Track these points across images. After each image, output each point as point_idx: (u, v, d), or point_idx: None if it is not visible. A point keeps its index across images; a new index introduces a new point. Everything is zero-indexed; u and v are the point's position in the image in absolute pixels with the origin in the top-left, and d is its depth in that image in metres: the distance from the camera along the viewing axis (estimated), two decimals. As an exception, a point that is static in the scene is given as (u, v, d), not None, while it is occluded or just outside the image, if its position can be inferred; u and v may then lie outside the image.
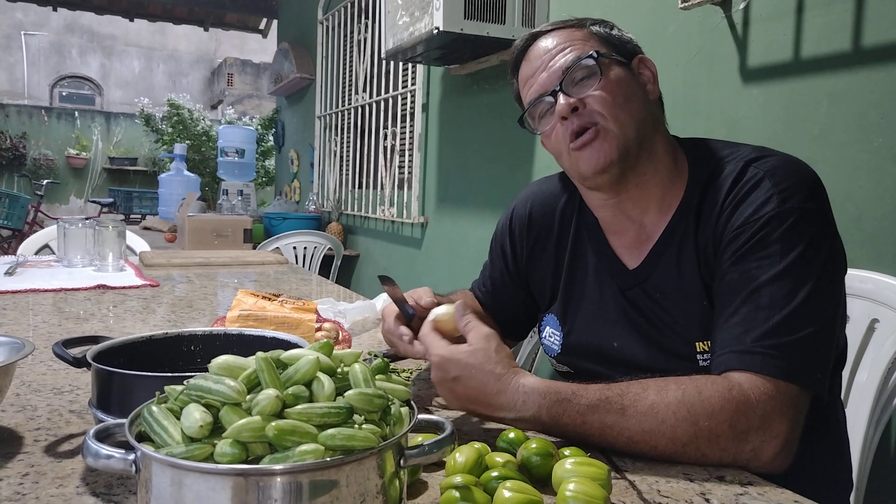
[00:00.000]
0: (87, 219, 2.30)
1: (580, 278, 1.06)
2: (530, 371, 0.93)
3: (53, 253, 2.55)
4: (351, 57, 4.37)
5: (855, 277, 1.26)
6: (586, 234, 1.06)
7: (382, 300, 1.57)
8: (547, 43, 0.98)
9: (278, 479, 0.48)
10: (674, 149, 0.99)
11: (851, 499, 1.07)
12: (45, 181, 9.16)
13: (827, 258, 0.83)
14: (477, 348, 0.82)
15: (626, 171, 0.94)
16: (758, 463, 0.75)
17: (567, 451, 0.72)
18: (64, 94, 14.63)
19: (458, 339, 0.87)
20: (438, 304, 0.95)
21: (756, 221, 0.85)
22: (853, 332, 1.24)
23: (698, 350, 0.91)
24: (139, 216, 8.41)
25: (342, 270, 4.12)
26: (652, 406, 0.76)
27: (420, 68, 3.34)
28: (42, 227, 5.84)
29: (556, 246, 1.09)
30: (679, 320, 0.93)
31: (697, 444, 0.75)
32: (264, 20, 7.48)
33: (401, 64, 3.55)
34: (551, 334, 1.09)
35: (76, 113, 12.58)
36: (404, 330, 0.97)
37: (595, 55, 0.93)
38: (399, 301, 0.99)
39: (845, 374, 1.23)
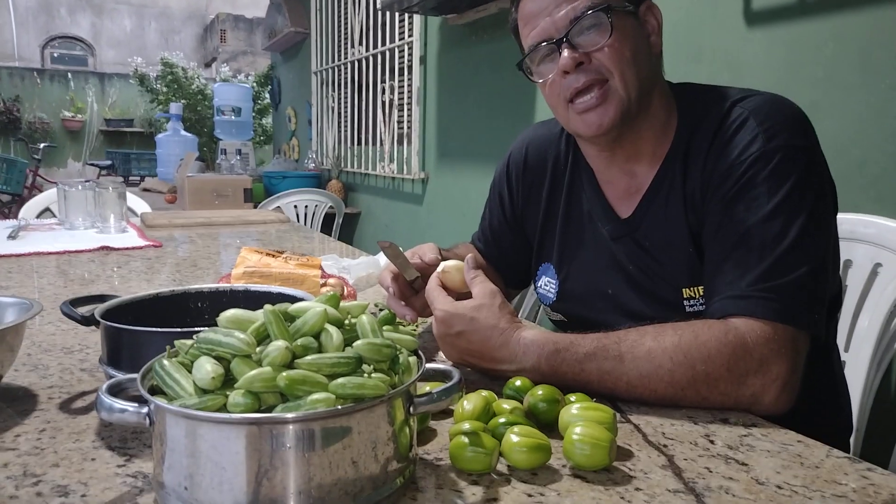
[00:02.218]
0: (86, 181, 2.29)
1: (575, 226, 1.06)
2: (534, 322, 0.94)
3: (55, 216, 2.54)
4: (346, 9, 4.28)
5: (858, 222, 1.26)
6: (581, 182, 1.06)
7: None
8: None
9: (291, 427, 0.48)
10: (668, 99, 0.98)
11: (851, 440, 1.09)
12: (41, 145, 9.08)
13: (816, 195, 0.83)
14: (482, 304, 0.83)
15: (624, 131, 0.94)
16: (760, 406, 0.76)
17: (573, 398, 0.73)
18: (55, 55, 14.36)
19: (463, 295, 0.88)
20: (443, 259, 0.95)
21: (742, 163, 0.84)
22: (856, 277, 1.25)
23: (685, 296, 0.92)
24: (138, 178, 8.37)
25: (344, 228, 4.12)
26: (649, 351, 0.76)
27: (417, 19, 3.27)
28: (41, 192, 5.82)
29: (549, 191, 1.09)
30: (667, 267, 0.94)
31: (696, 387, 0.75)
32: (256, -27, 7.30)
33: (397, 15, 3.48)
34: (547, 283, 1.10)
35: (69, 74, 12.39)
36: (389, 283, 0.98)
37: (606, 8, 0.88)
38: (401, 265, 0.98)
39: (847, 316, 1.24)
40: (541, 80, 0.96)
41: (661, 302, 0.94)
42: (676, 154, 0.94)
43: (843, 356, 1.22)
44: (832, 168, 0.90)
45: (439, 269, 0.91)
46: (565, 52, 0.90)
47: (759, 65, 1.59)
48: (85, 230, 2.14)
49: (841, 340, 1.23)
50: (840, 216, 1.26)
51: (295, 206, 3.84)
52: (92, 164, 9.78)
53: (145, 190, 5.00)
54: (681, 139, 0.94)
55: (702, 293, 0.90)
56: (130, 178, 8.90)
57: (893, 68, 1.31)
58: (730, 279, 0.82)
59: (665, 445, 0.67)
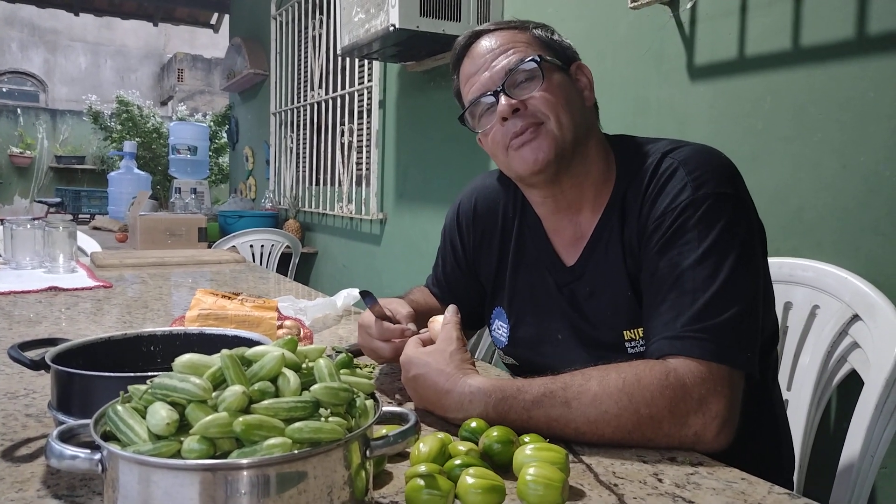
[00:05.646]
0: (34, 219, 2.24)
1: (524, 273, 1.09)
2: (490, 363, 0.96)
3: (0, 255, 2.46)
4: (306, 53, 4.33)
5: (797, 266, 1.32)
6: (528, 232, 1.09)
7: (343, 296, 1.58)
8: (490, 42, 1.00)
9: (245, 473, 0.49)
10: (605, 150, 1.03)
11: (795, 476, 1.12)
12: (-14, 181, 8.81)
13: (743, 239, 0.87)
14: (436, 349, 0.87)
15: (561, 171, 0.98)
16: (702, 444, 0.79)
17: (527, 438, 0.74)
18: (4, 90, 14.06)
19: None
20: (414, 314, 1.03)
21: (673, 211, 0.89)
22: (795, 318, 1.30)
23: (626, 338, 0.96)
24: (88, 216, 8.16)
25: (300, 268, 4.09)
26: (595, 397, 0.79)
27: (377, 65, 3.33)
28: (-15, 229, 5.61)
29: (500, 240, 1.13)
30: (609, 311, 0.98)
31: (642, 430, 0.78)
32: (215, 15, 7.33)
33: (357, 60, 3.54)
34: (499, 327, 1.13)
35: (18, 110, 12.11)
36: (373, 322, 1.01)
37: (538, 59, 0.95)
38: (380, 317, 1.01)
39: (789, 356, 1.29)
40: (482, 131, 1.01)
41: (605, 346, 0.98)
42: (615, 202, 0.98)
43: (786, 395, 1.26)
44: (772, 214, 0.95)
45: (431, 319, 0.96)
46: (502, 100, 0.95)
47: (703, 117, 1.67)
48: (32, 270, 2.08)
49: (784, 379, 1.28)
50: (780, 260, 1.33)
51: (251, 246, 3.80)
52: (40, 202, 9.49)
53: (95, 228, 4.88)
54: (619, 188, 0.99)
55: (642, 335, 0.94)
56: (80, 215, 8.67)
57: (824, 122, 1.40)
58: (666, 320, 0.85)
59: (615, 485, 0.69)
